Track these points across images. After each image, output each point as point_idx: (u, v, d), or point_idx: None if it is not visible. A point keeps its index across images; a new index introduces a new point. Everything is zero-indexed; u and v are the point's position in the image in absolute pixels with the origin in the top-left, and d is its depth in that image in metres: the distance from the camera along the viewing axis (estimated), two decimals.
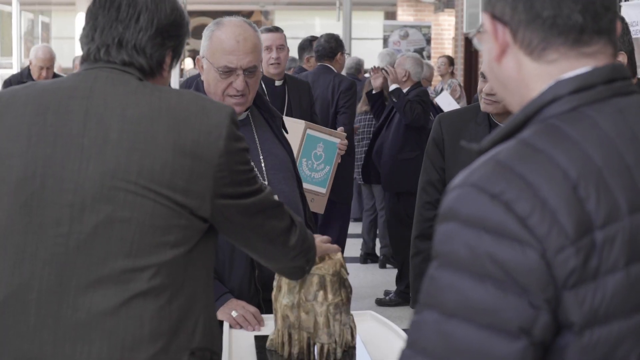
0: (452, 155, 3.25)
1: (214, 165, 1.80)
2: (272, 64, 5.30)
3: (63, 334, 1.76)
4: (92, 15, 1.89)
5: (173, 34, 1.92)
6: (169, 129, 1.78)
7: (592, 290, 1.14)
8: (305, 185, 3.54)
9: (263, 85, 5.14)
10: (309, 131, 3.82)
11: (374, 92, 6.93)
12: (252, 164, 1.95)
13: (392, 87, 6.61)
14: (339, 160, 4.03)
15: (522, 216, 1.13)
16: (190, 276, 1.84)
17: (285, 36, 5.49)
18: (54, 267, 1.77)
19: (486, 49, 1.34)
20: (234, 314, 2.61)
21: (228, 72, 2.78)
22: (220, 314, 2.61)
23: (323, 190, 3.80)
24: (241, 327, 2.60)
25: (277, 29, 5.48)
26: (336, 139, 4.01)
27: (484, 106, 3.17)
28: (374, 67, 6.93)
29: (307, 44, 7.26)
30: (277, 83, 5.35)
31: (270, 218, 2.00)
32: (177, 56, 1.97)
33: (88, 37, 1.89)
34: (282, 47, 5.35)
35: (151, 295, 1.77)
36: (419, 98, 6.62)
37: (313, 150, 3.77)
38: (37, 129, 1.81)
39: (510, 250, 1.13)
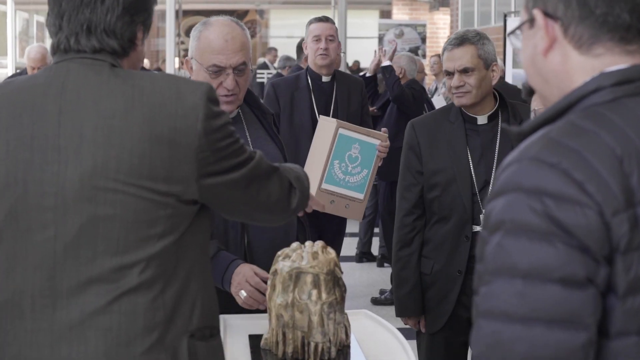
0: (429, 157, 3.28)
1: (194, 148, 1.77)
2: (320, 55, 5.01)
3: (59, 336, 1.76)
4: (55, 2, 1.85)
5: (141, 8, 1.89)
6: (144, 119, 1.75)
7: (637, 258, 1.24)
8: (338, 190, 3.50)
9: (309, 81, 5.02)
10: (341, 130, 3.49)
11: (367, 74, 6.95)
12: (238, 135, 1.91)
13: (385, 63, 6.65)
14: (380, 163, 3.68)
15: (579, 181, 1.24)
16: (183, 261, 1.83)
17: (336, 28, 5.21)
18: (44, 271, 1.77)
19: (529, 44, 1.44)
20: (242, 294, 2.61)
21: (217, 71, 2.78)
22: (233, 288, 2.64)
23: (360, 195, 3.51)
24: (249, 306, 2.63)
25: (327, 19, 5.17)
26: (375, 140, 3.50)
27: (457, 100, 3.23)
28: (381, 47, 7.01)
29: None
30: (325, 79, 5.08)
31: (265, 186, 1.98)
32: (147, 28, 1.93)
33: (55, 25, 1.85)
34: (333, 38, 5.05)
35: (142, 288, 1.77)
36: (409, 86, 6.75)
37: (347, 151, 3.52)
38: (14, 133, 1.78)
39: (572, 212, 1.23)
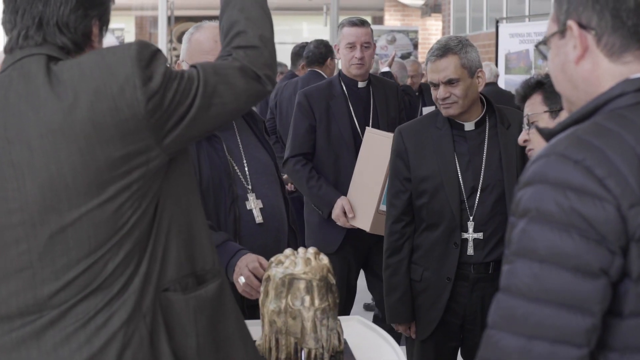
0: (417, 164, 3.28)
1: (142, 117, 1.74)
2: (353, 64, 4.49)
3: (45, 340, 1.78)
4: None
5: (96, 2, 1.88)
6: (83, 113, 1.72)
7: None
8: (384, 207, 3.44)
9: (344, 87, 4.54)
10: None
11: None
12: (175, 71, 1.83)
13: (384, 69, 6.68)
14: None
15: (600, 177, 1.37)
16: (160, 222, 1.82)
17: (372, 31, 4.65)
18: (26, 283, 1.78)
19: (560, 53, 1.56)
20: (241, 280, 2.61)
21: None
22: (234, 275, 2.64)
23: None
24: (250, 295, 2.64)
25: (362, 23, 4.63)
26: None
27: (444, 111, 3.22)
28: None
29: (301, 51, 7.26)
30: (361, 85, 4.56)
31: (228, 92, 1.88)
32: (105, 25, 1.92)
33: (11, 22, 1.84)
34: (368, 45, 4.52)
35: (118, 271, 1.77)
36: (405, 92, 6.76)
37: None
38: None
39: (592, 206, 1.36)
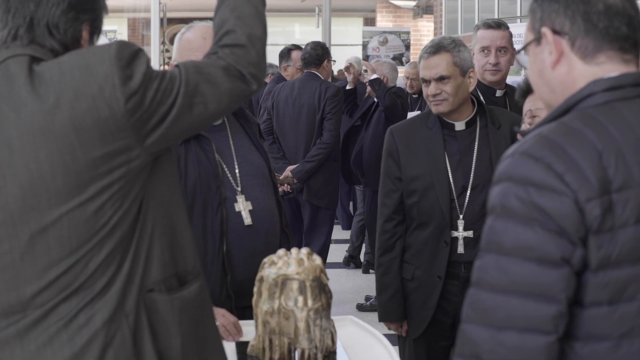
0: (407, 163, 3.29)
1: (121, 116, 1.73)
2: (487, 70, 4.01)
3: (28, 340, 1.78)
4: None
5: (87, 7, 1.87)
6: (62, 112, 1.71)
7: (608, 238, 1.45)
8: None
9: (479, 95, 4.01)
10: None
11: (348, 87, 6.99)
12: (156, 71, 1.82)
13: (373, 76, 6.70)
14: None
15: (559, 173, 1.45)
16: (143, 221, 1.81)
17: (510, 34, 4.10)
18: (9, 283, 1.78)
19: (538, 59, 1.64)
20: None
21: None
22: None
23: None
24: (222, 338, 2.59)
25: (498, 25, 4.08)
26: None
27: (434, 108, 3.24)
28: (346, 66, 7.04)
29: (285, 52, 7.29)
30: (498, 93, 4.08)
31: (212, 93, 1.85)
32: (96, 31, 1.91)
33: (2, 21, 1.84)
34: (505, 50, 3.98)
35: (100, 271, 1.77)
36: (396, 94, 6.79)
37: None
38: None
39: (551, 199, 1.44)
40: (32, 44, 1.81)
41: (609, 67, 1.58)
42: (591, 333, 1.48)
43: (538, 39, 1.62)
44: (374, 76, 6.72)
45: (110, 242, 1.78)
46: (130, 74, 1.75)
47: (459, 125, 3.27)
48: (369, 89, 6.89)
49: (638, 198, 1.47)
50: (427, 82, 3.24)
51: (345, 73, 7.03)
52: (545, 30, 1.60)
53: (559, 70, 1.60)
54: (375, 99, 6.82)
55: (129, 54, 1.77)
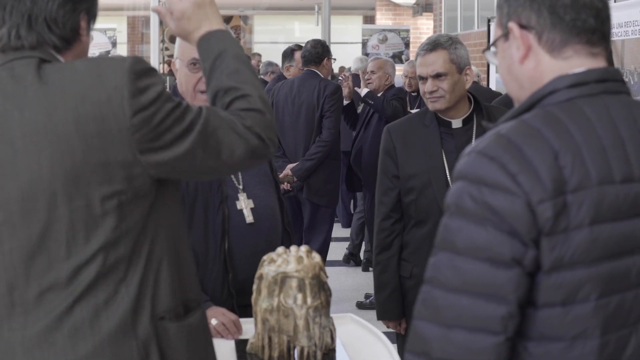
0: (405, 161, 3.30)
1: (125, 130, 1.71)
2: None
3: (29, 341, 1.78)
4: None
5: None
6: (68, 116, 1.71)
7: (561, 240, 1.43)
8: None
9: None
10: None
11: (345, 102, 6.94)
12: (178, 99, 1.81)
13: (364, 91, 6.71)
14: None
15: (513, 173, 1.42)
16: (148, 241, 1.80)
17: None
18: (11, 283, 1.78)
19: (506, 55, 1.61)
20: (213, 322, 2.60)
21: (196, 64, 2.80)
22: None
23: None
24: (221, 336, 2.59)
25: None
26: None
27: (431, 105, 3.25)
28: (345, 74, 7.02)
29: (288, 52, 7.28)
30: None
31: (226, 138, 1.83)
32: (92, 18, 1.90)
33: None
34: None
35: (101, 280, 1.76)
36: (397, 96, 6.78)
37: None
38: None
39: (503, 200, 1.42)
40: (40, 47, 1.81)
41: (576, 62, 1.54)
42: (544, 334, 1.47)
43: (506, 35, 1.59)
44: (365, 91, 6.72)
45: (112, 255, 1.76)
46: (141, 89, 1.74)
47: (456, 123, 3.28)
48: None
49: (594, 199, 1.44)
50: (424, 79, 3.26)
51: (343, 80, 6.97)
52: (512, 25, 1.57)
53: (527, 65, 1.57)
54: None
55: (142, 69, 1.76)
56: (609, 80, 1.55)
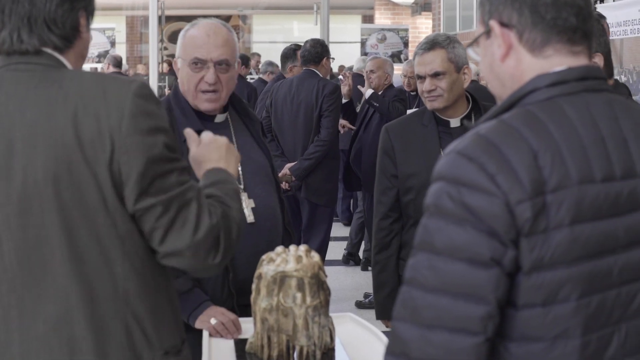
0: (404, 160, 3.29)
1: (117, 148, 1.71)
2: None
3: (28, 344, 1.78)
4: None
5: None
6: (67, 123, 1.71)
7: (541, 240, 1.42)
8: None
9: None
10: None
11: (345, 100, 6.96)
12: (179, 161, 1.80)
13: (368, 92, 6.73)
14: None
15: (492, 174, 1.42)
16: (149, 281, 1.82)
17: None
18: (10, 284, 1.78)
19: (487, 53, 1.61)
20: (213, 321, 2.60)
21: (198, 63, 2.80)
22: (199, 323, 2.61)
23: None
24: (221, 335, 2.59)
25: None
26: None
27: (429, 104, 3.25)
28: (345, 72, 7.04)
29: (290, 53, 7.27)
30: None
31: (188, 218, 1.78)
32: (90, 14, 1.90)
33: None
34: None
35: (98, 292, 1.77)
36: (397, 97, 6.81)
37: None
38: None
39: (482, 200, 1.41)
40: (44, 54, 1.81)
41: (557, 60, 1.54)
42: (525, 334, 1.46)
43: (488, 32, 1.59)
44: (369, 92, 6.75)
45: (104, 271, 1.77)
46: (146, 112, 1.74)
47: (454, 122, 3.28)
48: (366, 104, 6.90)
49: (574, 198, 1.44)
50: (422, 78, 3.26)
51: (343, 79, 6.98)
52: (493, 24, 1.57)
53: (507, 64, 1.57)
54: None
55: (148, 95, 1.77)
56: (590, 79, 1.55)
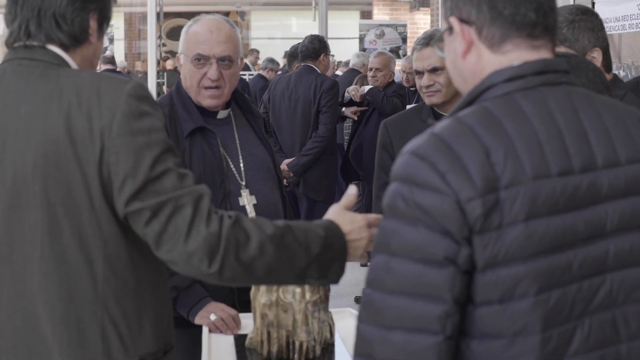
0: None
1: (107, 148, 1.69)
2: None
3: (5, 341, 1.79)
4: None
5: None
6: (60, 120, 1.70)
7: (494, 237, 1.42)
8: None
9: None
10: None
11: (357, 100, 6.98)
12: (177, 163, 1.76)
13: (366, 88, 6.76)
14: None
15: (442, 172, 1.42)
16: (131, 270, 1.80)
17: None
18: (5, 277, 1.78)
19: (450, 49, 1.61)
20: (212, 317, 2.60)
21: (201, 59, 2.80)
22: (198, 318, 2.61)
23: None
24: (220, 331, 2.59)
25: None
26: None
27: (427, 100, 3.26)
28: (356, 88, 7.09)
29: (297, 52, 7.27)
30: None
31: (180, 218, 1.71)
32: (105, 20, 1.89)
33: (11, 13, 1.83)
34: None
35: (76, 293, 1.76)
36: (397, 93, 6.87)
37: None
38: None
39: (433, 199, 1.42)
40: (48, 51, 1.81)
41: (515, 56, 1.54)
42: (484, 331, 1.46)
43: (450, 29, 1.60)
44: (367, 87, 6.78)
45: (85, 272, 1.75)
46: (139, 113, 1.73)
47: None
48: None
49: (529, 194, 1.43)
50: (420, 73, 3.27)
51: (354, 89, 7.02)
52: (453, 20, 1.58)
53: (469, 60, 1.57)
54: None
55: (143, 96, 1.75)
56: (548, 72, 1.55)
